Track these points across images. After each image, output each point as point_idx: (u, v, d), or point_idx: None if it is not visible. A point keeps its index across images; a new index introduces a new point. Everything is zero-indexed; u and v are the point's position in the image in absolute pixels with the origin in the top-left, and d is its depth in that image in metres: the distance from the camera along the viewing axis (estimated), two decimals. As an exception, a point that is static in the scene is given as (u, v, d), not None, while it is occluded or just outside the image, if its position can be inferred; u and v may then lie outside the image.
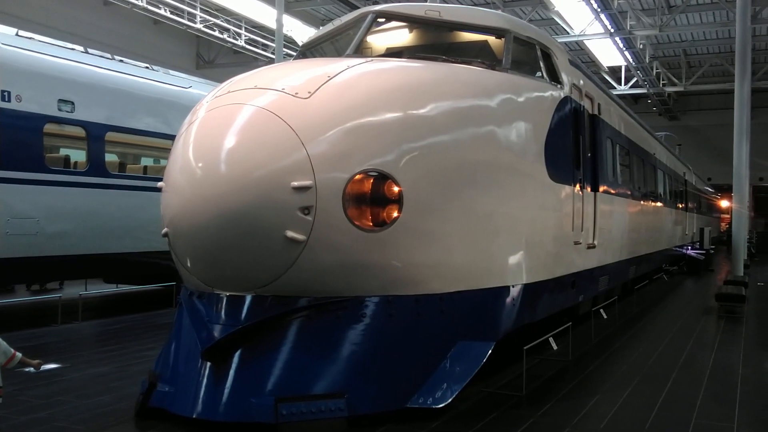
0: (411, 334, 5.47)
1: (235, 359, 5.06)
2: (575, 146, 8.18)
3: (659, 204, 16.15)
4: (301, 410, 4.83)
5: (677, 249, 20.01)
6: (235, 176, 4.84)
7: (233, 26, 24.40)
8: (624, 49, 25.41)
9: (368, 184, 5.20)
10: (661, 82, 32.05)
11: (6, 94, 9.18)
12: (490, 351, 5.80)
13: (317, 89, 5.23)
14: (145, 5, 20.68)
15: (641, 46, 26.75)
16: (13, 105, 9.25)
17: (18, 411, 5.41)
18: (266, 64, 12.90)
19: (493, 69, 6.67)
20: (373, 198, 5.24)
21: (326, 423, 4.87)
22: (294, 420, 4.79)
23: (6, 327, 7.40)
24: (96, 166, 10.48)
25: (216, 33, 23.98)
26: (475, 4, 22.48)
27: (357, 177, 5.10)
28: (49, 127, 9.87)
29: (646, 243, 13.99)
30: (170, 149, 5.58)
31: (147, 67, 12.57)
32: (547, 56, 7.70)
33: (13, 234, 9.07)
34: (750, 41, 15.73)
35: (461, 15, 7.41)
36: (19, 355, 4.51)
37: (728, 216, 37.61)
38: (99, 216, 10.40)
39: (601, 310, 10.22)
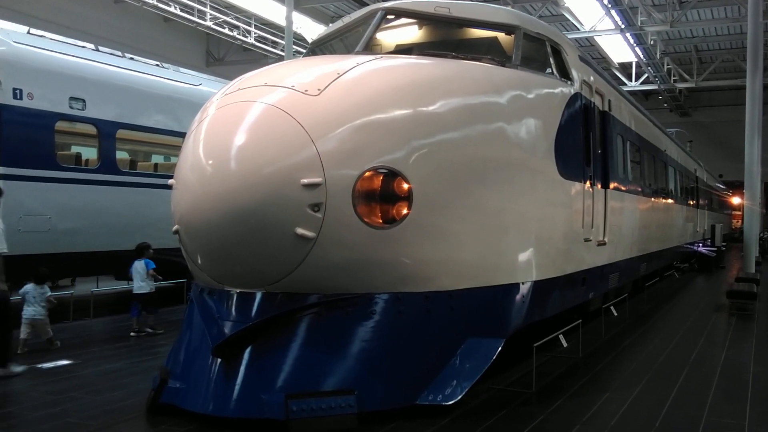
0: (420, 331, 5.47)
1: (246, 356, 5.09)
2: (585, 143, 8.15)
3: (670, 201, 16.06)
4: (311, 407, 4.85)
5: (688, 246, 19.90)
6: (245, 173, 4.85)
7: (243, 23, 24.45)
8: (635, 45, 25.30)
9: (378, 181, 5.20)
10: (672, 78, 31.87)
11: (18, 91, 9.23)
12: (499, 348, 5.80)
13: (327, 86, 5.24)
14: (156, 3, 20.74)
15: (652, 42, 26.60)
16: (25, 103, 9.31)
17: (31, 407, 5.47)
18: (276, 62, 12.91)
19: (503, 66, 6.66)
20: (382, 195, 5.24)
21: (336, 419, 4.88)
22: (304, 416, 4.80)
23: (19, 323, 7.45)
24: (107, 163, 10.54)
25: (226, 30, 24.04)
26: (485, 1, 22.36)
27: (367, 174, 5.10)
28: (60, 125, 9.94)
29: (657, 240, 13.92)
30: (181, 147, 5.61)
31: (157, 65, 12.61)
32: (557, 52, 7.68)
33: (25, 231, 9.14)
34: (762, 37, 15.59)
35: (471, 11, 7.38)
36: None
37: (740, 213, 37.34)
38: (110, 213, 10.44)
39: (612, 308, 10.20)
